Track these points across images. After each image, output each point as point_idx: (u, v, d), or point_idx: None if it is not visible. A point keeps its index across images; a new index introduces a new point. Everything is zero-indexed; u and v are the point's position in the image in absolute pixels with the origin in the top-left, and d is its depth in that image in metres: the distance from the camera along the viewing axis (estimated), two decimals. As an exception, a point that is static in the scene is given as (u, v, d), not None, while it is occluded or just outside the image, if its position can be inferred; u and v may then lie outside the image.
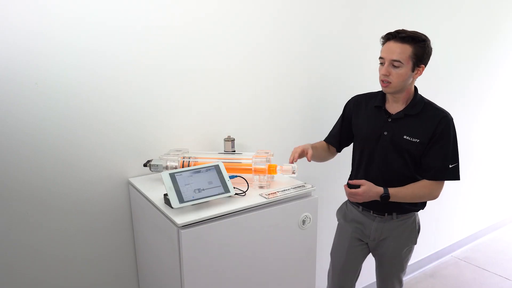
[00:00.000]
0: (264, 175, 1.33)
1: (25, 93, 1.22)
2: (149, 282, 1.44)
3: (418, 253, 2.77)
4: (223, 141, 1.60)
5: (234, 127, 1.69)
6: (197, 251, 1.10)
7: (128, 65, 1.39)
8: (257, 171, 1.33)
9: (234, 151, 1.57)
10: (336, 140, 1.65)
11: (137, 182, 1.40)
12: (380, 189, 1.42)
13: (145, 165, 1.41)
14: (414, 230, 1.58)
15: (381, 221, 1.55)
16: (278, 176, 1.44)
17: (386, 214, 1.54)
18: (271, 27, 1.71)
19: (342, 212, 1.70)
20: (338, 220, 1.72)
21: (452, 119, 1.43)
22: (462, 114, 2.82)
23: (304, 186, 1.34)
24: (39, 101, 1.25)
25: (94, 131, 1.36)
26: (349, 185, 1.47)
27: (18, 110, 1.22)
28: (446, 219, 2.92)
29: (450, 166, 1.42)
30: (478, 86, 2.89)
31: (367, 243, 1.64)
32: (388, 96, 1.49)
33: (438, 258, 2.94)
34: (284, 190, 1.29)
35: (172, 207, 1.10)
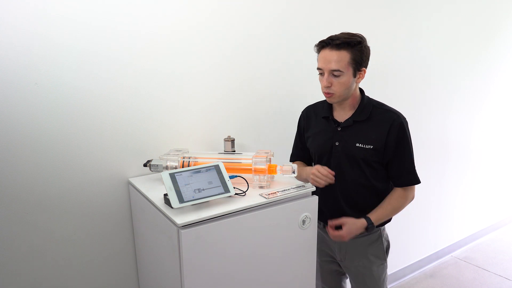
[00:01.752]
0: (264, 175, 1.33)
1: (25, 93, 1.22)
2: (149, 282, 1.44)
3: (418, 253, 2.77)
4: (223, 141, 1.60)
5: (234, 127, 1.69)
6: (197, 251, 1.10)
7: (127, 66, 1.39)
8: (257, 171, 1.33)
9: (234, 151, 1.57)
10: (301, 158, 1.59)
11: (137, 182, 1.40)
12: (362, 222, 1.37)
13: (145, 165, 1.41)
14: (380, 246, 1.49)
15: None
16: (278, 176, 1.44)
17: None
18: (270, 28, 1.71)
19: None
20: None
21: (404, 119, 1.38)
22: (461, 113, 2.83)
23: (304, 186, 1.34)
24: (39, 101, 1.25)
25: (94, 131, 1.36)
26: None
27: (18, 110, 1.22)
28: (446, 219, 2.92)
29: (412, 169, 1.40)
30: (477, 86, 2.89)
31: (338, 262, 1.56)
32: (334, 104, 1.43)
33: (438, 258, 2.94)
34: (284, 190, 1.29)
35: (172, 207, 1.10)
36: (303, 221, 1.30)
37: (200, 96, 1.58)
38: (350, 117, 1.39)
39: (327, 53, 1.29)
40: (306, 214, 1.30)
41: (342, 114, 1.42)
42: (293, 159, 1.63)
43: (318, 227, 1.52)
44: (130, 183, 1.44)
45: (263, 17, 1.68)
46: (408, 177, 1.40)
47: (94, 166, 1.38)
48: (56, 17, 1.23)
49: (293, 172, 1.33)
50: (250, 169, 1.34)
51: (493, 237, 3.34)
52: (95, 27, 1.30)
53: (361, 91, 1.44)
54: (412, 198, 1.45)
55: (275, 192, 1.27)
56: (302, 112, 1.58)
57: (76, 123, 1.32)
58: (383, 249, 1.51)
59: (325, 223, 1.49)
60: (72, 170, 1.34)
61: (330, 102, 1.40)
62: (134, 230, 1.51)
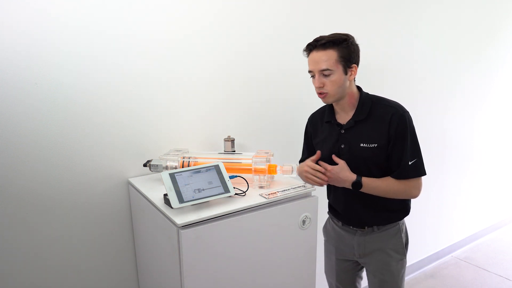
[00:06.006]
0: (264, 175, 1.33)
1: (25, 93, 1.22)
2: (149, 282, 1.44)
3: (418, 253, 2.77)
4: (223, 141, 1.60)
5: (234, 127, 1.69)
6: (197, 251, 1.10)
7: (127, 66, 1.39)
8: (257, 171, 1.33)
9: (234, 151, 1.57)
10: None
11: (137, 182, 1.40)
12: (353, 176, 1.34)
13: (145, 165, 1.41)
14: (400, 240, 1.48)
15: (363, 235, 1.48)
16: (278, 176, 1.44)
17: (366, 227, 1.47)
18: (267, 29, 1.71)
19: (324, 229, 1.65)
20: (323, 236, 1.67)
21: (405, 112, 1.34)
22: (462, 113, 2.83)
23: (304, 186, 1.34)
24: (39, 101, 1.25)
25: (94, 132, 1.36)
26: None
27: (18, 111, 1.22)
28: (446, 219, 2.92)
29: (410, 163, 1.34)
30: (478, 85, 2.89)
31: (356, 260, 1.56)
32: (335, 107, 1.43)
33: (438, 258, 2.94)
34: (284, 190, 1.29)
35: (172, 207, 1.10)
36: (303, 221, 1.30)
37: (200, 96, 1.58)
38: (351, 118, 1.39)
39: (315, 54, 1.31)
40: (306, 214, 1.30)
41: (344, 116, 1.42)
42: None
43: (337, 225, 1.55)
44: (130, 183, 1.44)
45: (264, 19, 1.68)
46: (405, 169, 1.34)
47: (94, 166, 1.38)
48: (57, 19, 1.23)
49: (293, 172, 1.34)
50: (250, 169, 1.34)
51: (493, 237, 3.34)
52: (95, 29, 1.30)
53: (359, 88, 1.42)
54: (415, 195, 1.40)
55: (275, 192, 1.27)
56: (308, 119, 1.58)
57: (76, 123, 1.32)
58: (402, 244, 1.49)
59: (343, 222, 1.51)
60: (72, 170, 1.34)
61: (326, 103, 1.40)
62: (134, 230, 1.51)
